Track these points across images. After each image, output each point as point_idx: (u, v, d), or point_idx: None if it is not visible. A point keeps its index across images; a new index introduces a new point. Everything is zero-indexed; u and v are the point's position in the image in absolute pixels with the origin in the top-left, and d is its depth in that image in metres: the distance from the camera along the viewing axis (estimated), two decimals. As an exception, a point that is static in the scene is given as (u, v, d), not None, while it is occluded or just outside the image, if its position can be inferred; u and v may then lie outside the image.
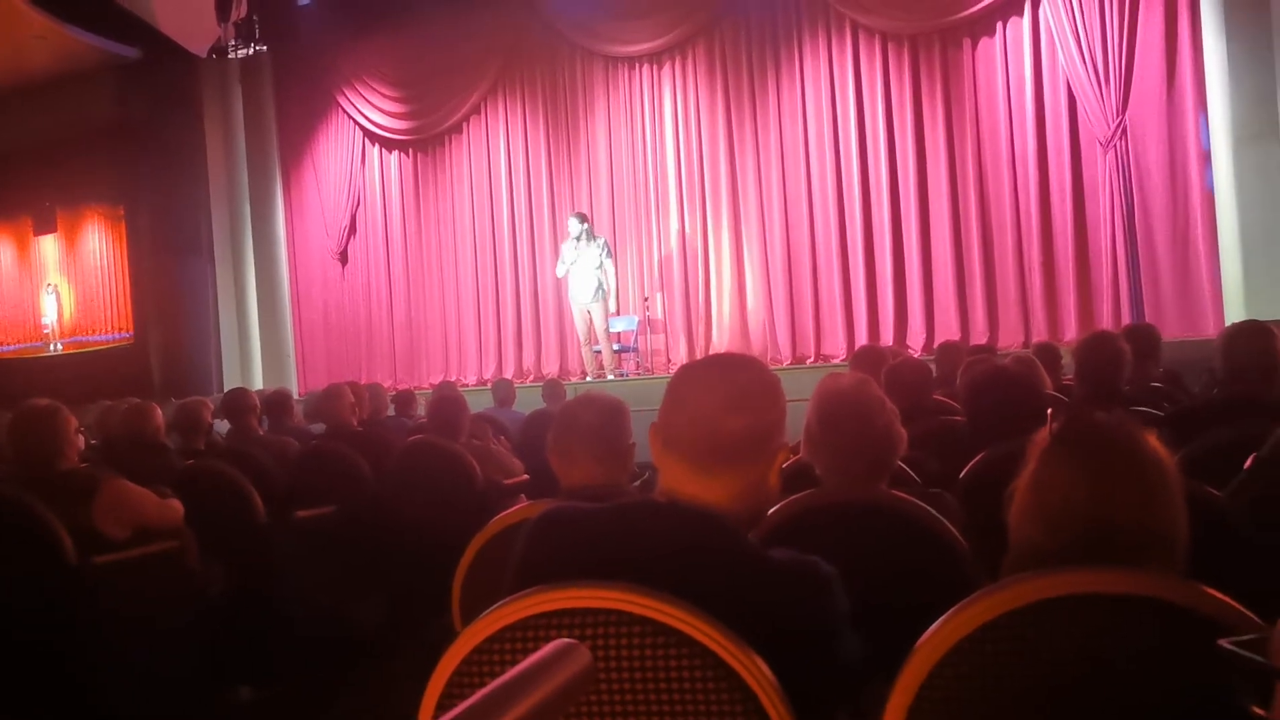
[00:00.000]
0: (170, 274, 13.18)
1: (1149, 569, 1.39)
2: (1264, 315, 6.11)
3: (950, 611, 1.38)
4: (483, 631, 1.40)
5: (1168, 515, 1.47)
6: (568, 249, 10.63)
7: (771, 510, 2.00)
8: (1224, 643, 0.76)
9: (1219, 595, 1.29)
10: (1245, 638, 0.76)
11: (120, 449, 4.78)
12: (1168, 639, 1.30)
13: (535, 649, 1.36)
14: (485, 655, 1.41)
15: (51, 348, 14.92)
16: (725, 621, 1.35)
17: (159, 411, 4.76)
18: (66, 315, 14.91)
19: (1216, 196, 8.67)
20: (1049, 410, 1.62)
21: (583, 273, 10.48)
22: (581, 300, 10.59)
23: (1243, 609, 1.30)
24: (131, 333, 14.18)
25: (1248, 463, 2.31)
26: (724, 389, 1.55)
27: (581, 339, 10.90)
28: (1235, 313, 8.15)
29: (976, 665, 1.34)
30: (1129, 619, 1.32)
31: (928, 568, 2.08)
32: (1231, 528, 2.00)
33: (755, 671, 1.34)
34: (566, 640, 0.97)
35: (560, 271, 10.76)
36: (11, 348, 15.38)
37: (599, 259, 10.47)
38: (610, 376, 10.60)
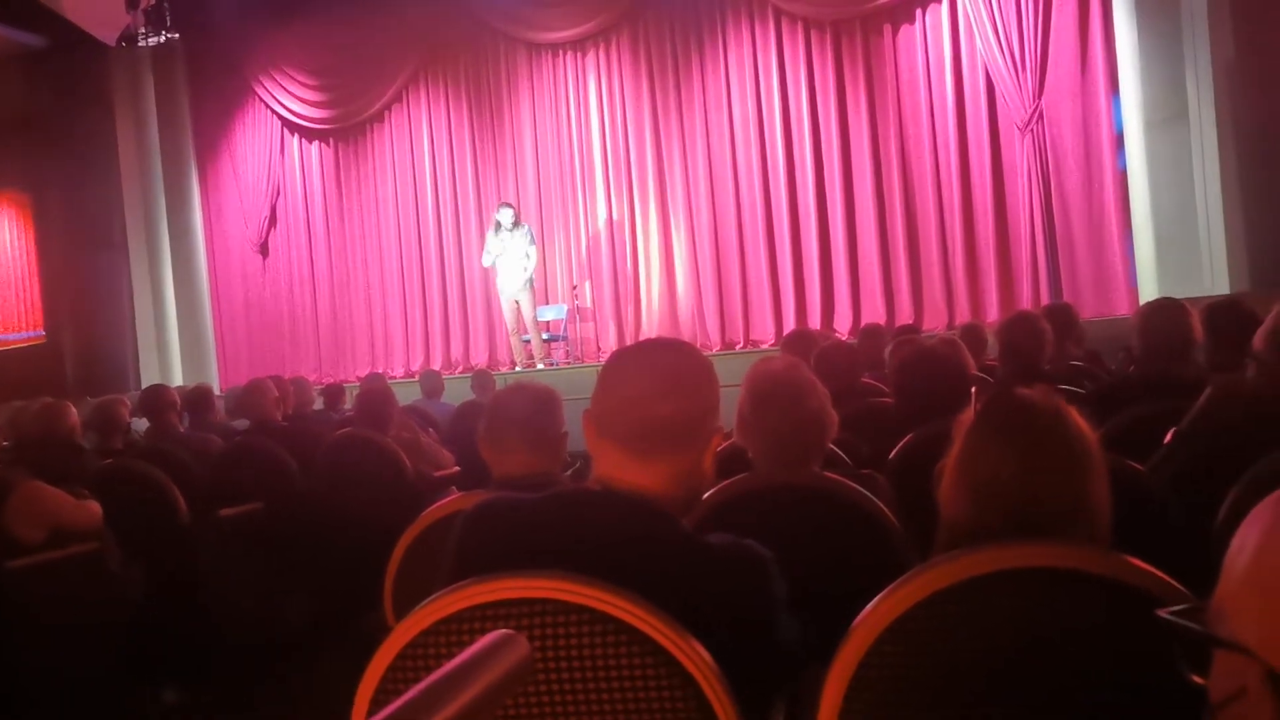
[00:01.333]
0: (83, 269, 12.79)
1: (1075, 542, 1.42)
2: (1176, 294, 6.25)
3: (884, 592, 1.39)
4: (417, 625, 1.38)
5: (1092, 489, 1.49)
6: (492, 238, 10.57)
7: (706, 494, 2.00)
8: (1162, 613, 0.77)
9: (1145, 566, 1.32)
10: (1182, 607, 0.77)
11: (33, 450, 4.62)
12: (1096, 611, 1.32)
13: (472, 642, 1.35)
14: (420, 650, 1.38)
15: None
16: (663, 607, 1.35)
17: (73, 410, 4.61)
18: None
19: (1130, 179, 8.90)
20: (973, 389, 1.64)
21: (510, 262, 10.42)
22: (509, 290, 10.51)
23: (1168, 579, 1.32)
24: (43, 330, 13.75)
25: (1167, 437, 2.36)
26: (654, 374, 1.55)
27: (510, 329, 10.79)
28: (1149, 292, 8.38)
29: (912, 644, 1.35)
30: (1058, 592, 1.34)
31: (861, 549, 2.09)
32: (1154, 501, 2.05)
33: (694, 656, 1.33)
34: (503, 631, 0.96)
35: (487, 261, 10.68)
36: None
37: (525, 248, 10.44)
38: (540, 366, 10.56)
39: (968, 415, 1.59)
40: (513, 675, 0.84)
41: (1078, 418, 1.53)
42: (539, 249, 10.79)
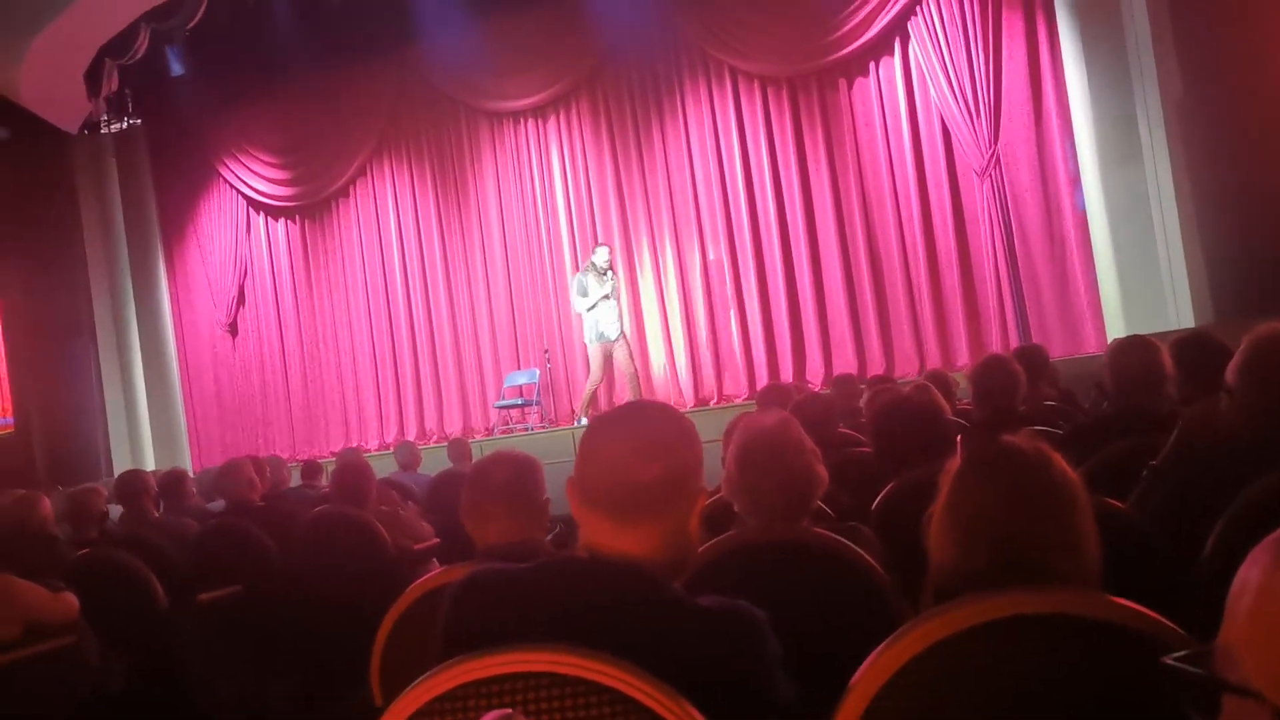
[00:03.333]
0: (51, 356, 12.66)
1: (1068, 587, 1.42)
2: (1142, 328, 6.36)
3: (881, 646, 1.38)
4: (411, 705, 1.36)
5: (1080, 531, 1.50)
6: (592, 282, 10.11)
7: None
8: (1169, 659, 0.77)
9: (1140, 609, 1.32)
10: (1188, 652, 0.77)
11: (6, 543, 4.55)
12: (1093, 655, 1.32)
13: (470, 719, 1.34)
14: (415, 730, 1.36)
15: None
16: (657, 674, 1.33)
17: (46, 501, 4.55)
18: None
19: (1089, 218, 9.02)
20: (958, 436, 1.64)
21: (609, 308, 10.12)
22: (611, 336, 10.13)
23: (1163, 620, 1.33)
24: (11, 419, 13.58)
25: (1144, 473, 2.38)
26: (634, 438, 1.54)
27: (594, 382, 10.32)
28: (1116, 329, 8.47)
29: (911, 698, 1.35)
30: (1055, 639, 1.34)
31: (852, 604, 2.09)
32: (1137, 538, 2.06)
33: (691, 722, 1.32)
34: (502, 711, 0.95)
35: (583, 307, 10.21)
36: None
37: (617, 292, 10.26)
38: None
39: (954, 462, 1.59)
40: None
41: (1061, 461, 1.55)
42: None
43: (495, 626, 1.45)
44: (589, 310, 10.13)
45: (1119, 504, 2.17)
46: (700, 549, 2.02)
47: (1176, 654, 0.78)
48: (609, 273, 10.17)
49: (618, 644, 1.36)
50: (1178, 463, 2.32)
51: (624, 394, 10.56)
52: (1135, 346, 3.21)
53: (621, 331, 10.27)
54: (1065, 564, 1.45)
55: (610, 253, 10.37)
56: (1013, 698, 1.34)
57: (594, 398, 10.47)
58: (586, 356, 11.22)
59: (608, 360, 10.26)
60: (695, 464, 1.57)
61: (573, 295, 10.39)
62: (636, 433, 1.54)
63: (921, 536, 1.72)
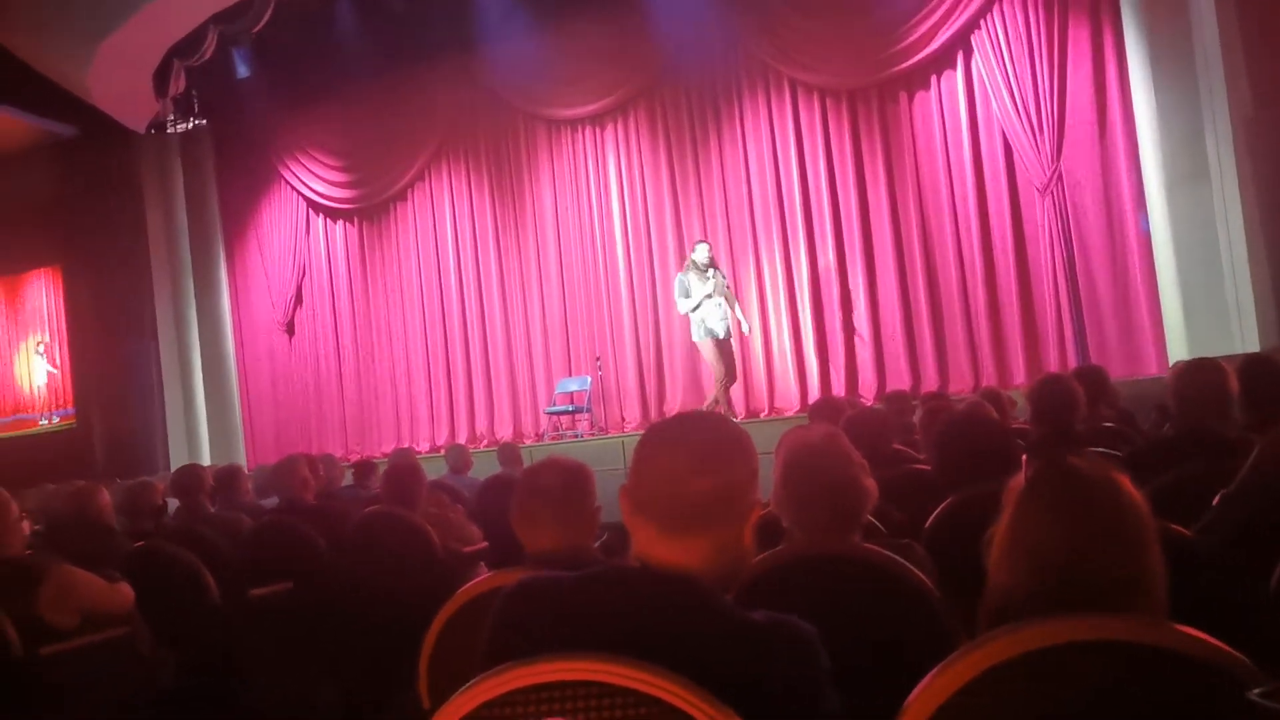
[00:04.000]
0: (113, 353, 12.94)
1: (1134, 614, 1.38)
2: (1206, 352, 6.22)
3: (939, 668, 1.35)
4: (461, 708, 1.36)
5: (1146, 557, 1.46)
6: (695, 281, 9.78)
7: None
8: (1254, 694, 0.74)
9: (1208, 638, 1.28)
10: (1272, 686, 0.75)
11: (66, 533, 4.63)
12: (1158, 685, 1.28)
13: (516, 727, 1.33)
14: (463, 735, 1.36)
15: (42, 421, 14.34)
16: (707, 687, 1.32)
17: (105, 492, 4.62)
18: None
19: (1153, 237, 8.86)
20: (1023, 456, 1.61)
21: (713, 306, 9.74)
22: (719, 334, 9.78)
23: (1232, 651, 1.29)
24: (73, 410, 13.88)
25: (1215, 500, 2.32)
26: (688, 449, 1.52)
27: (718, 377, 9.93)
28: (1178, 352, 8.30)
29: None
30: (1119, 666, 1.30)
31: (904, 621, 2.05)
32: (1202, 566, 2.00)
33: (742, 739, 1.30)
34: None
35: (687, 308, 9.87)
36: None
37: (724, 289, 9.88)
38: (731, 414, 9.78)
39: (1017, 482, 1.56)
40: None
41: (1130, 486, 1.51)
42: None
43: (545, 634, 1.44)
44: (694, 310, 9.78)
45: (1184, 530, 2.11)
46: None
47: (1262, 689, 0.75)
48: (710, 270, 9.78)
49: (667, 655, 1.35)
50: (1250, 491, 2.25)
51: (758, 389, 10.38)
52: (1202, 368, 3.13)
53: (733, 330, 9.87)
54: (1131, 591, 1.41)
55: (710, 249, 9.98)
56: (1073, 725, 1.31)
57: (727, 395, 9.99)
58: (639, 364, 11.24)
59: (725, 353, 9.87)
60: (749, 477, 1.55)
61: (676, 297, 10.02)
62: (691, 444, 1.53)
63: (977, 556, 1.69)
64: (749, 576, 2.04)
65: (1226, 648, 1.27)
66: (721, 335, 9.76)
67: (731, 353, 9.95)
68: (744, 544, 1.55)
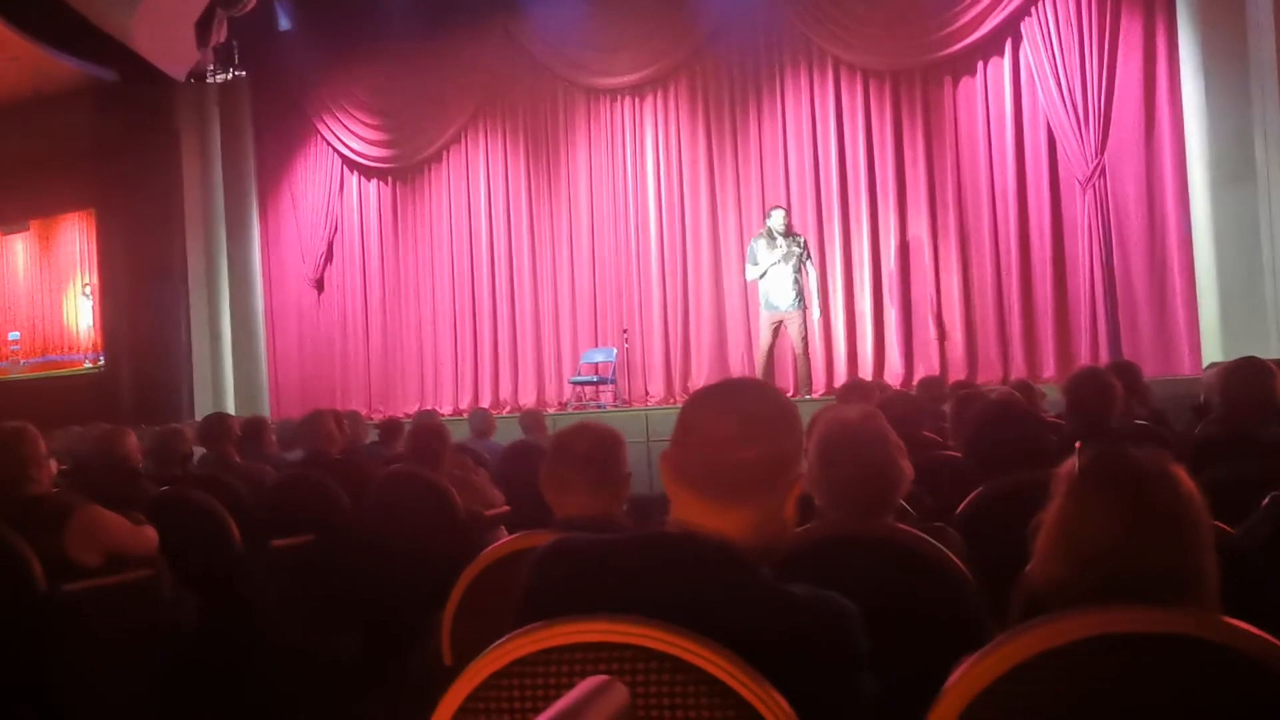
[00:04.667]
0: (143, 299, 12.99)
1: (1185, 607, 1.34)
2: (1241, 355, 6.13)
3: (980, 652, 1.32)
4: (492, 665, 1.34)
5: (1201, 552, 1.42)
6: (764, 249, 9.45)
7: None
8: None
9: (1262, 634, 1.25)
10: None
11: (93, 474, 4.67)
12: (1209, 680, 1.25)
13: (549, 684, 1.32)
14: (494, 691, 1.34)
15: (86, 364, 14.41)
16: (745, 657, 1.30)
17: (133, 436, 4.65)
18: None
19: (1194, 237, 8.74)
20: (1077, 444, 1.57)
21: (781, 276, 9.40)
22: (780, 307, 9.40)
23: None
24: (101, 354, 13.98)
25: (1265, 502, 2.27)
26: (737, 417, 1.49)
27: (763, 351, 9.63)
28: (1212, 354, 8.21)
29: (1011, 709, 1.29)
30: (1169, 659, 1.27)
31: (936, 605, 2.02)
32: (1249, 567, 1.96)
33: (776, 711, 1.28)
34: (603, 677, 0.92)
35: (754, 275, 9.58)
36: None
37: (799, 260, 9.45)
38: (806, 396, 9.33)
39: (1068, 470, 1.52)
40: (615, 723, 0.80)
41: (1186, 479, 1.47)
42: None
43: (579, 594, 1.42)
44: (761, 278, 9.47)
45: (1228, 528, 2.07)
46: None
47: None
48: (782, 237, 9.37)
49: (705, 623, 1.32)
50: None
51: (786, 371, 10.00)
52: (1251, 369, 3.08)
53: (801, 303, 9.44)
54: (1185, 585, 1.38)
55: (788, 215, 9.63)
56: (1116, 718, 1.28)
57: (768, 369, 9.73)
58: (665, 338, 11.22)
59: (775, 331, 9.49)
60: (795, 448, 1.53)
61: (746, 264, 9.78)
62: (739, 411, 1.50)
63: (1009, 543, 1.65)
64: (784, 550, 2.02)
65: (1282, 646, 1.24)
66: (783, 308, 9.35)
67: (784, 330, 9.48)
68: (785, 516, 1.52)
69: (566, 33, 11.55)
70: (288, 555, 4.22)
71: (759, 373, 9.57)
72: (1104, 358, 8.87)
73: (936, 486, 3.30)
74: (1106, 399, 3.60)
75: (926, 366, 9.81)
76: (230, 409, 12.30)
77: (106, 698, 3.20)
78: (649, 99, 11.51)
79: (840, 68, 10.55)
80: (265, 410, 12.62)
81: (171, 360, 12.87)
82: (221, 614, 3.86)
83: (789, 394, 8.93)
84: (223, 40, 12.00)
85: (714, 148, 11.14)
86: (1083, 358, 9.14)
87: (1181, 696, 1.26)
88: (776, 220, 9.47)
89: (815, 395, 9.46)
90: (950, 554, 2.11)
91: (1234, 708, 1.23)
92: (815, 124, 10.64)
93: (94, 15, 11.20)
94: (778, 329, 9.51)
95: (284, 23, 12.37)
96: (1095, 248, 9.27)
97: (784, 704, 1.29)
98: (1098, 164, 9.25)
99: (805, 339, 9.53)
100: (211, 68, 12.31)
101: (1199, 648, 1.25)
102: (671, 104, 11.39)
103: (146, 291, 12.87)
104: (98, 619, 3.23)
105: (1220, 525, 2.05)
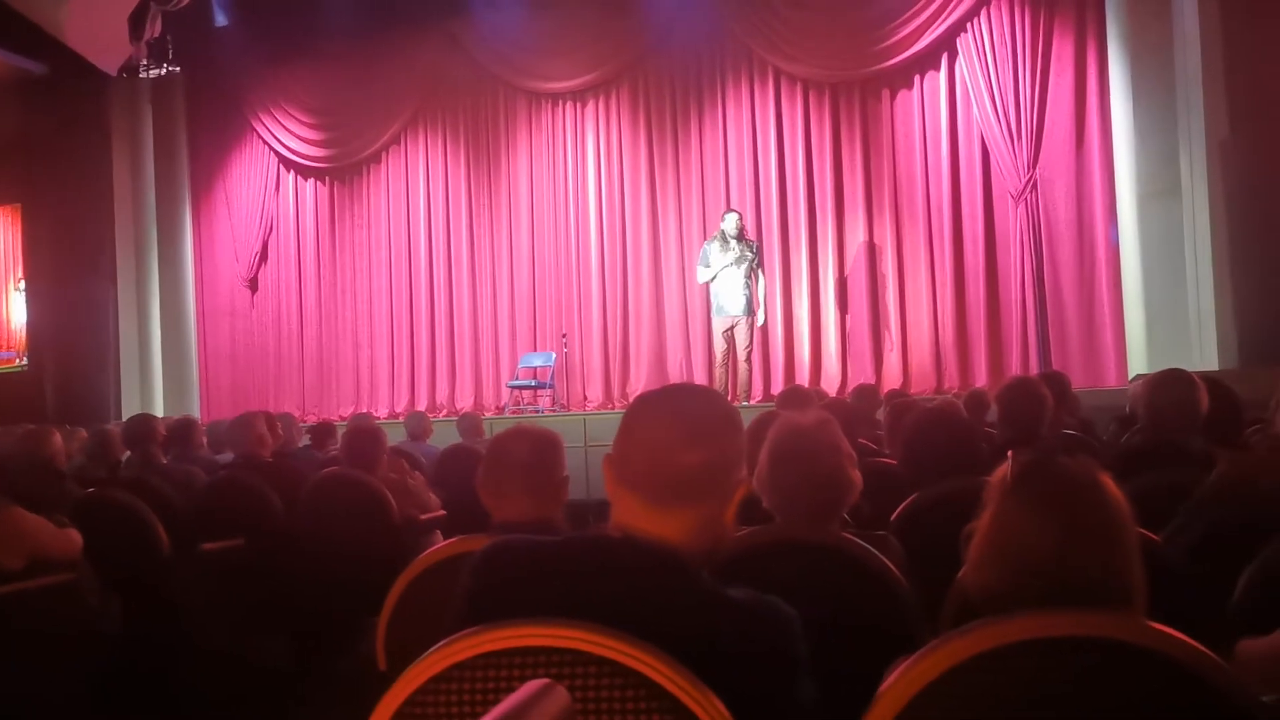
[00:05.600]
0: (70, 297, 12.67)
1: (1112, 611, 1.37)
2: (1164, 367, 6.28)
3: (916, 656, 1.34)
4: (429, 669, 1.33)
5: (1129, 558, 1.45)
6: (716, 251, 9.44)
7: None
8: (1267, 699, 0.73)
9: (1188, 640, 1.28)
10: (1272, 698, 0.74)
11: (15, 475, 4.54)
12: (1135, 683, 1.28)
13: (487, 688, 1.31)
14: (430, 696, 1.33)
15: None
16: (685, 662, 1.30)
17: (58, 437, 4.54)
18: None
19: (1122, 251, 8.95)
20: (1009, 452, 1.59)
21: (732, 280, 9.39)
22: (732, 312, 9.41)
23: (1206, 650, 1.29)
24: (25, 356, 13.61)
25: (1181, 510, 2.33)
26: (680, 421, 1.49)
27: (719, 358, 9.60)
28: (1138, 365, 8.40)
29: (943, 711, 1.30)
30: (1097, 663, 1.30)
31: (874, 613, 2.05)
32: (1169, 573, 2.01)
33: (715, 715, 1.28)
34: (544, 681, 0.92)
35: (704, 278, 9.60)
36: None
37: (750, 266, 9.43)
38: (744, 403, 9.30)
39: (999, 478, 1.54)
40: (556, 728, 0.80)
41: (1114, 487, 1.50)
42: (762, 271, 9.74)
43: (518, 598, 1.41)
44: (711, 281, 9.46)
45: (1152, 535, 2.12)
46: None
47: (1274, 695, 0.74)
48: (734, 241, 9.36)
49: (644, 627, 1.32)
50: (1214, 503, 2.27)
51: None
52: (1175, 380, 3.16)
53: (750, 309, 9.41)
54: (1113, 590, 1.41)
55: (741, 218, 9.59)
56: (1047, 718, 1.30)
57: (729, 379, 9.62)
58: (605, 343, 11.21)
59: (729, 337, 9.48)
60: (738, 453, 1.53)
61: (698, 265, 9.76)
62: (682, 416, 1.50)
63: (942, 550, 1.67)
64: (727, 554, 2.03)
65: (1207, 650, 1.27)
66: (734, 313, 9.38)
67: (734, 336, 9.47)
68: (726, 521, 1.53)
69: (509, 36, 11.50)
70: (217, 559, 4.15)
71: (715, 381, 9.58)
72: (1034, 368, 9.05)
73: (872, 493, 3.33)
74: (1037, 408, 3.66)
75: (862, 375, 9.92)
76: (159, 410, 12.04)
77: (29, 702, 3.11)
78: (590, 104, 11.51)
79: (781, 78, 10.64)
80: (195, 411, 12.38)
81: (98, 360, 12.56)
82: (148, 618, 3.77)
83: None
84: (156, 35, 11.77)
85: (655, 154, 11.16)
86: (1014, 368, 9.31)
87: (1109, 699, 1.28)
88: (729, 224, 9.50)
89: (753, 402, 9.51)
90: (890, 564, 2.14)
91: (1158, 709, 1.26)
92: (756, 133, 10.72)
93: (24, 7, 10.94)
94: (730, 335, 9.52)
95: (220, 18, 12.16)
96: (1027, 260, 9.45)
97: (722, 708, 1.29)
98: (1030, 178, 9.44)
99: (749, 346, 9.59)
100: (145, 62, 12.06)
101: (1126, 651, 1.28)
102: (613, 110, 11.40)
103: (74, 289, 12.55)
104: (19, 623, 3.14)
105: (1145, 533, 2.11)
